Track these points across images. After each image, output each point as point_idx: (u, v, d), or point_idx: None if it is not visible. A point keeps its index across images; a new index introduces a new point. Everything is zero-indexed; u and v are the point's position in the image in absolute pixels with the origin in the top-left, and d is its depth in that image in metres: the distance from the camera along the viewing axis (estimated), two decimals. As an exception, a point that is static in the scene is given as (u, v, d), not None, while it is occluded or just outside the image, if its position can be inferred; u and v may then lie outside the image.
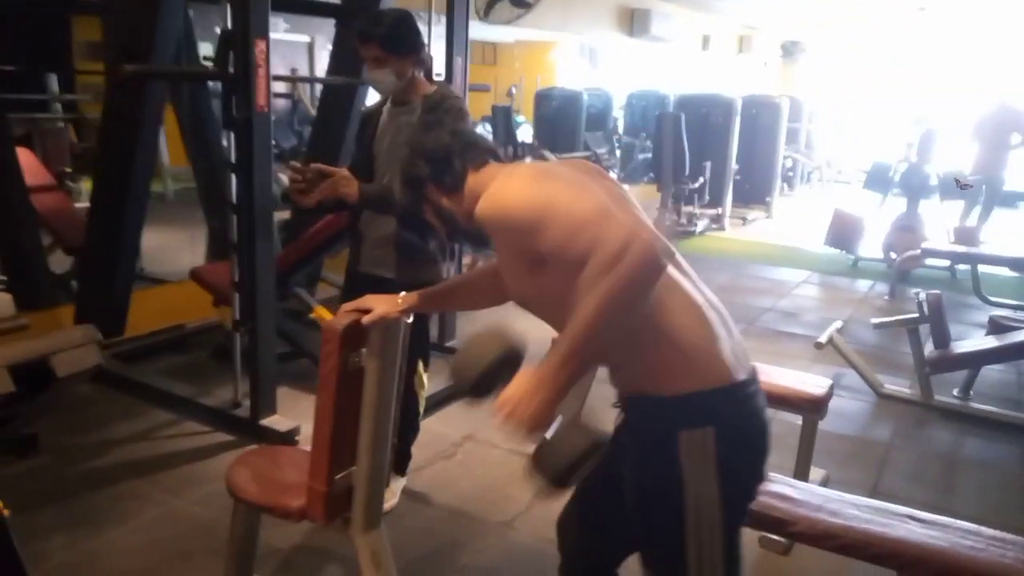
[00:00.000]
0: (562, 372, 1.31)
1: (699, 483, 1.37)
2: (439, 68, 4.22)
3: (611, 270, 1.24)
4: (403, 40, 2.56)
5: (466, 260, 5.37)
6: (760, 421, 1.45)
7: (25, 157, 4.37)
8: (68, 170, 7.07)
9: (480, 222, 1.49)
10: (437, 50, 4.19)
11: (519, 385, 1.34)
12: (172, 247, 5.61)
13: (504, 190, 1.48)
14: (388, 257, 2.70)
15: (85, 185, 7.32)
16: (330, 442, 1.93)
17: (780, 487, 2.20)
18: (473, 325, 4.86)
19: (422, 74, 2.72)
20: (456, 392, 1.52)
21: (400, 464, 2.93)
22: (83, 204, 5.84)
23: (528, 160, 1.70)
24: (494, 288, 1.85)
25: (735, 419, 1.41)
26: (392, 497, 2.84)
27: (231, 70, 3.07)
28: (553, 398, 1.31)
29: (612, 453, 1.67)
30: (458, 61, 4.12)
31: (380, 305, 1.87)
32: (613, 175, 10.17)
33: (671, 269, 1.46)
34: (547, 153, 8.67)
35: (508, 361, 1.44)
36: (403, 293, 1.92)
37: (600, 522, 1.72)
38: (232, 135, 3.16)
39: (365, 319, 1.86)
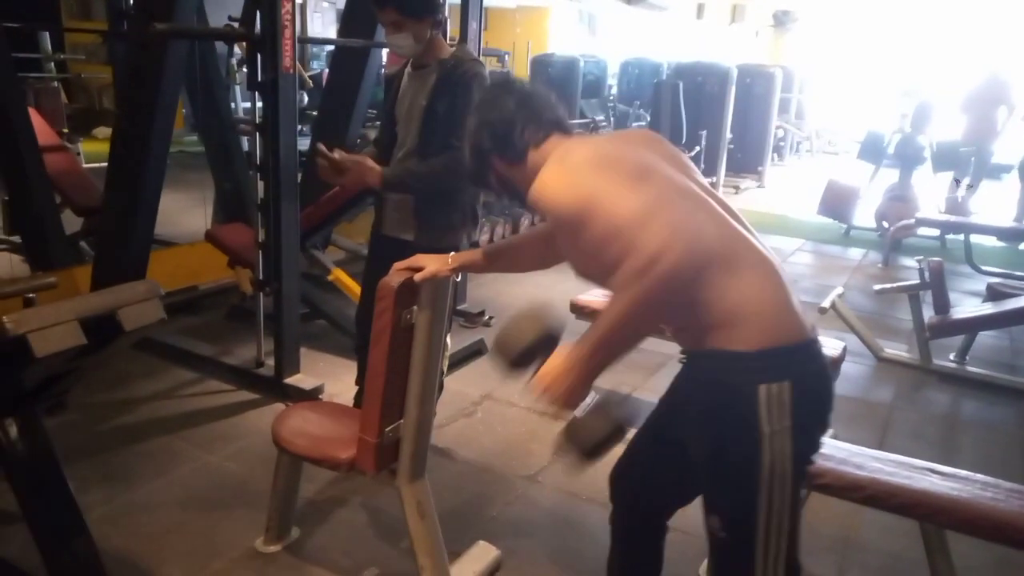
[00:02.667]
0: (592, 359, 1.44)
1: (775, 435, 1.43)
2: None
3: (639, 279, 1.34)
4: (419, 3, 2.58)
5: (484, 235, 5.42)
6: (828, 377, 1.53)
7: (33, 117, 4.34)
8: (65, 130, 7.00)
9: (532, 204, 1.56)
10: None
11: (554, 365, 1.47)
12: (177, 209, 5.60)
13: (553, 178, 1.53)
14: (407, 221, 2.76)
15: (83, 146, 7.27)
16: (382, 396, 2.00)
17: (805, 441, 2.30)
18: (480, 291, 4.93)
19: (440, 35, 2.74)
20: (496, 364, 1.60)
21: None
22: (85, 166, 5.83)
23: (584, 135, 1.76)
24: (541, 253, 1.93)
25: (809, 375, 1.48)
26: None
27: (257, 31, 3.07)
28: (583, 381, 1.45)
29: (670, 408, 1.76)
30: (472, 26, 4.12)
31: (431, 264, 1.94)
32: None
33: (741, 230, 1.53)
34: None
35: (546, 341, 1.54)
36: (452, 253, 1.99)
37: (654, 475, 1.80)
38: (258, 96, 3.17)
39: (417, 276, 1.92)
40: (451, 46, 2.82)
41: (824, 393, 1.52)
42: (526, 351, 1.54)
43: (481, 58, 4.18)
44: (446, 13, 2.89)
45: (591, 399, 1.50)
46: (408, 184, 2.65)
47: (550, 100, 1.71)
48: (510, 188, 1.72)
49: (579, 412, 1.50)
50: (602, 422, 1.47)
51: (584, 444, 1.47)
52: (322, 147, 2.65)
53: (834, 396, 1.56)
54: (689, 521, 2.53)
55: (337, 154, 2.63)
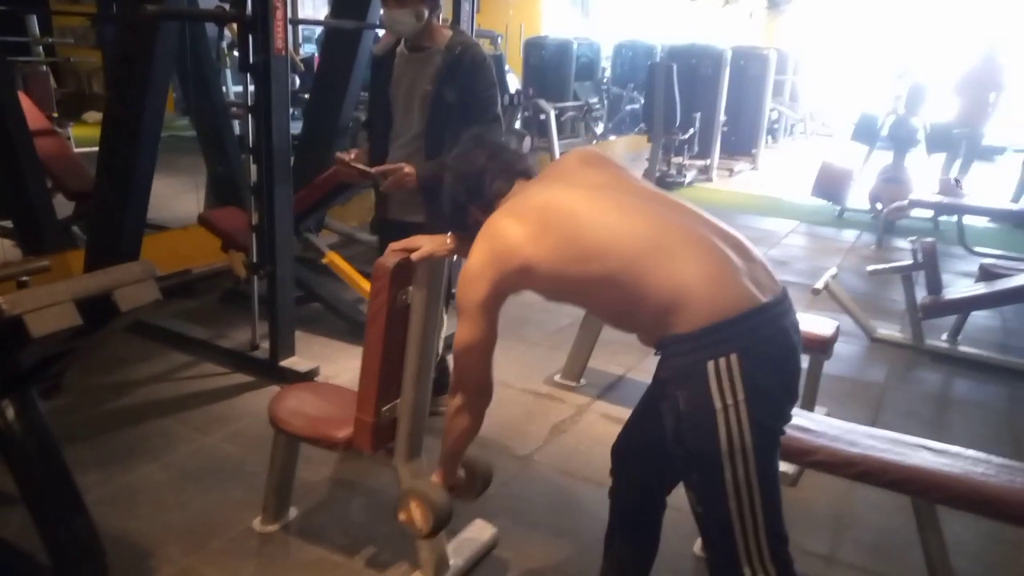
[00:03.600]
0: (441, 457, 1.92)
1: (729, 408, 1.46)
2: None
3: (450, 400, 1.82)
4: None
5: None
6: (786, 340, 1.53)
7: (23, 102, 4.31)
8: (55, 115, 6.95)
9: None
10: None
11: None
12: (169, 194, 5.58)
13: (466, 270, 1.70)
14: (415, 202, 2.74)
15: (72, 130, 7.23)
16: (378, 375, 2.01)
17: (799, 419, 2.31)
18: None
19: (438, 20, 2.75)
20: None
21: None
22: (76, 150, 5.79)
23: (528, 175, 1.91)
24: None
25: (759, 342, 1.48)
26: None
27: (249, 12, 3.05)
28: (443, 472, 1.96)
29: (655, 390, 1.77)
30: (465, 7, 4.09)
31: (428, 244, 1.95)
32: (600, 127, 10.19)
33: (668, 214, 1.60)
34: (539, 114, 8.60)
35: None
36: (449, 233, 1.99)
37: (653, 449, 1.81)
38: (250, 79, 3.15)
39: (414, 255, 1.93)
40: (446, 29, 2.81)
41: (781, 357, 1.53)
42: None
43: (477, 39, 4.19)
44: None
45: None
46: (442, 177, 2.64)
47: (518, 152, 1.90)
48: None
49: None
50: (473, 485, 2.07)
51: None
52: (341, 157, 2.72)
53: (796, 357, 1.56)
54: (684, 499, 2.56)
55: (360, 160, 2.66)
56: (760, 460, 1.50)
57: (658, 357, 1.69)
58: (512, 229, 1.64)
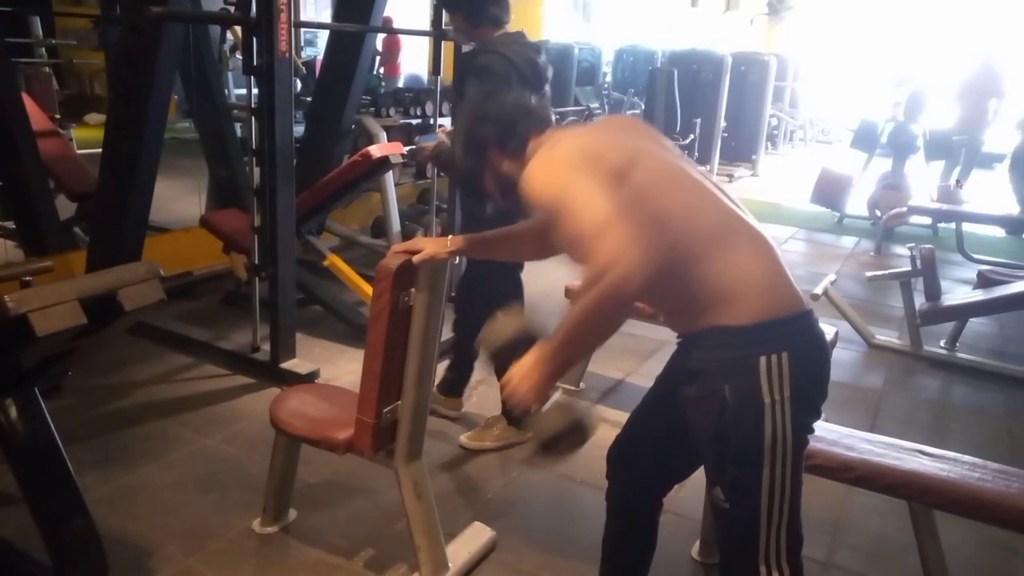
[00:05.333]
0: (553, 361, 1.49)
1: (776, 404, 1.47)
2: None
3: (592, 287, 1.37)
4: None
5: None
6: (825, 346, 1.56)
7: (26, 103, 4.32)
8: (57, 116, 6.96)
9: (523, 193, 1.59)
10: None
11: (522, 365, 1.52)
12: (171, 196, 5.59)
13: (538, 170, 1.56)
14: None
15: (75, 131, 7.24)
16: (380, 376, 2.02)
17: (797, 424, 2.33)
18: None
19: (490, 26, 2.83)
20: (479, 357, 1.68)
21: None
22: (78, 152, 5.80)
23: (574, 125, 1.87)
24: (536, 244, 1.94)
25: (806, 345, 1.52)
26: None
27: (253, 15, 3.07)
28: (545, 380, 1.49)
29: (667, 389, 1.78)
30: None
31: (429, 246, 1.96)
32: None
33: (731, 205, 1.57)
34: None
35: (524, 340, 1.60)
36: (451, 236, 2.01)
37: (651, 452, 1.82)
38: (253, 81, 3.17)
39: (416, 258, 1.94)
40: (496, 34, 2.86)
41: (821, 362, 1.56)
42: (504, 347, 1.62)
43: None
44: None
45: (556, 398, 1.57)
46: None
47: (542, 103, 1.79)
48: (506, 184, 1.73)
49: (544, 408, 1.57)
50: (559, 418, 1.53)
51: (541, 436, 1.54)
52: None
53: (830, 365, 1.59)
54: (682, 503, 2.58)
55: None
56: (796, 458, 1.52)
57: (680, 347, 1.69)
58: (598, 137, 1.57)
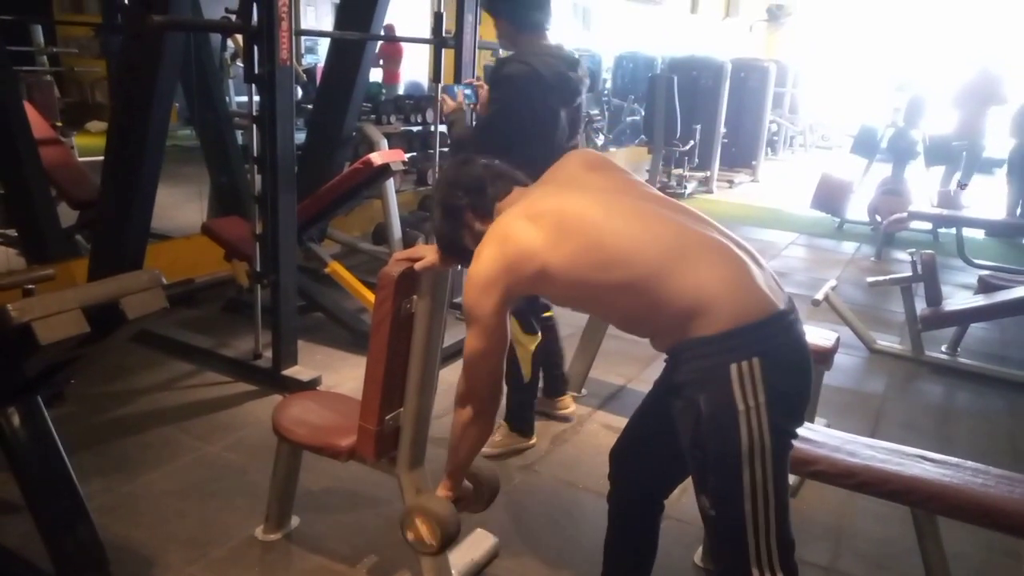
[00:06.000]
0: (446, 469, 1.91)
1: (751, 411, 1.47)
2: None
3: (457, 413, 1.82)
4: (488, 3, 2.90)
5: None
6: (802, 347, 1.56)
7: (27, 111, 4.34)
8: (58, 124, 6.98)
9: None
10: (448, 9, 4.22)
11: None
12: (172, 203, 5.60)
13: (474, 270, 1.67)
14: None
15: (76, 140, 7.25)
16: (382, 383, 2.02)
17: (800, 430, 2.33)
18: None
19: (532, 36, 2.85)
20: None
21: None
22: (79, 159, 5.81)
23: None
24: None
25: (779, 348, 1.51)
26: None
27: (254, 23, 3.08)
28: (447, 487, 1.92)
29: (661, 393, 1.79)
30: (468, 19, 4.14)
31: (431, 253, 1.96)
32: (600, 138, 10.23)
33: (684, 220, 1.61)
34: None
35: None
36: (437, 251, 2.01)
37: (651, 453, 1.83)
38: (255, 89, 3.18)
39: (417, 265, 1.94)
40: (536, 43, 2.88)
41: (798, 363, 1.55)
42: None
43: (478, 52, 4.22)
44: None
45: None
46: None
47: (511, 166, 1.87)
48: (479, 240, 1.77)
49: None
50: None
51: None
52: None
53: (810, 365, 1.59)
54: (684, 509, 2.58)
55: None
56: (776, 463, 1.52)
57: (666, 364, 1.71)
58: (527, 232, 1.61)
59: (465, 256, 1.80)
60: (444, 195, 1.84)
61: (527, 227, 1.62)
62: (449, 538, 1.91)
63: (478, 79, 3.20)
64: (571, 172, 1.80)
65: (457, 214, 1.81)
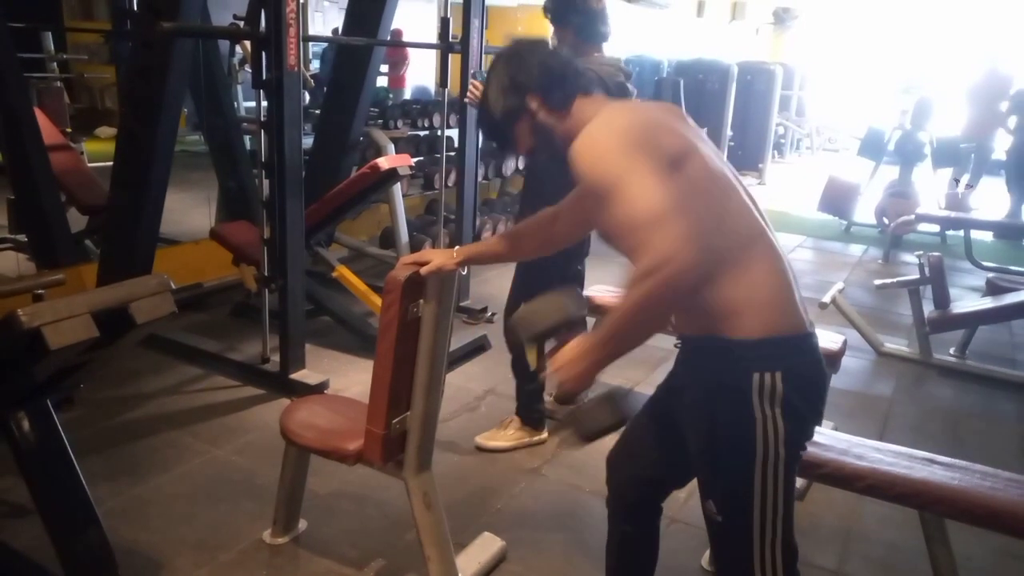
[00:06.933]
0: (601, 350, 1.44)
1: (768, 420, 1.46)
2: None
3: (645, 281, 1.31)
4: (556, 13, 2.89)
5: (486, 232, 5.42)
6: (822, 370, 1.55)
7: (38, 117, 4.37)
8: (68, 130, 7.01)
9: (571, 159, 1.50)
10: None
11: (569, 350, 1.48)
12: (181, 208, 5.63)
13: (594, 141, 1.47)
14: None
15: (86, 145, 7.29)
16: (389, 387, 2.03)
17: (806, 433, 2.33)
18: (483, 287, 4.96)
19: (590, 47, 2.91)
20: (515, 338, 1.63)
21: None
22: (89, 165, 5.85)
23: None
24: (544, 237, 1.96)
25: (802, 366, 1.50)
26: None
27: (262, 29, 3.10)
28: (591, 369, 1.45)
29: (667, 394, 1.79)
30: (475, 23, 4.15)
31: (437, 257, 1.97)
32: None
33: (758, 216, 1.55)
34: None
35: (567, 324, 1.57)
36: (457, 247, 2.02)
37: (649, 456, 1.82)
38: (263, 95, 3.20)
39: (423, 269, 1.95)
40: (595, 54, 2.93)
41: (816, 382, 1.55)
42: (546, 331, 1.58)
43: (484, 57, 4.23)
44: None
45: (596, 390, 1.55)
46: None
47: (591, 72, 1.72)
48: (542, 137, 1.67)
49: (584, 398, 1.56)
50: (606, 412, 1.53)
51: (587, 429, 1.53)
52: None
53: (827, 387, 1.59)
54: (691, 513, 2.58)
55: None
56: (788, 473, 1.52)
57: (681, 349, 1.69)
58: (657, 113, 1.52)
59: (508, 145, 1.69)
60: (512, 66, 1.64)
61: (656, 111, 1.55)
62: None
63: None
64: (670, 110, 1.66)
65: (521, 92, 1.62)
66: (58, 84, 8.13)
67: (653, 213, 1.33)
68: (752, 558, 1.54)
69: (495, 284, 5.07)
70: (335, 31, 9.10)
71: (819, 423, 1.62)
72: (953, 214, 6.16)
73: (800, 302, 1.54)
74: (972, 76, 7.97)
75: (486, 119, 1.73)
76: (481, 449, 3.06)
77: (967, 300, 4.78)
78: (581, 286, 3.08)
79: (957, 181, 7.28)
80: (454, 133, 5.24)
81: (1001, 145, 8.11)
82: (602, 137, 1.47)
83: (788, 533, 1.55)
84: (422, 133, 6.23)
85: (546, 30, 2.95)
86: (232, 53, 6.59)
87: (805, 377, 1.51)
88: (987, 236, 7.25)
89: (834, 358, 2.98)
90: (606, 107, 1.61)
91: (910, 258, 6.32)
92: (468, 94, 3.07)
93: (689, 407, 1.60)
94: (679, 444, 1.66)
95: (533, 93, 1.63)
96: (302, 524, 2.52)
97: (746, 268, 1.48)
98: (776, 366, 1.46)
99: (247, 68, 4.63)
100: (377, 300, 3.89)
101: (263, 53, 3.13)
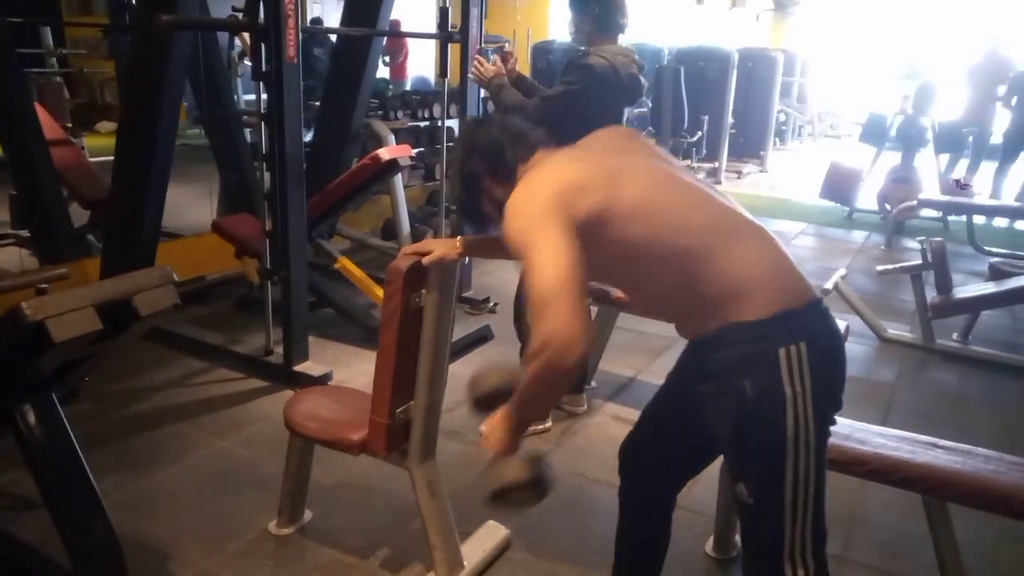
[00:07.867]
0: (512, 419, 1.54)
1: (798, 396, 1.45)
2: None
3: (533, 360, 1.40)
4: (584, 2, 2.93)
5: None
6: (838, 334, 1.56)
7: (38, 112, 4.37)
8: (68, 125, 7.02)
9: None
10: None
11: (493, 418, 1.57)
12: (182, 202, 5.63)
13: (513, 206, 1.54)
14: None
15: (86, 140, 7.30)
16: (392, 377, 2.04)
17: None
18: (486, 278, 4.96)
19: (605, 36, 2.95)
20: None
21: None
22: (90, 160, 5.85)
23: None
24: None
25: (822, 334, 1.51)
26: None
27: (261, 21, 3.09)
28: (507, 435, 1.54)
29: (680, 386, 1.78)
30: (474, 12, 4.14)
31: (439, 247, 1.97)
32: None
33: (727, 203, 1.58)
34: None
35: (503, 392, 1.62)
36: (459, 237, 2.02)
37: (664, 449, 1.83)
38: (263, 87, 3.20)
39: (426, 259, 1.96)
40: (608, 45, 2.95)
41: (838, 350, 1.56)
42: (485, 397, 1.67)
43: (484, 45, 4.22)
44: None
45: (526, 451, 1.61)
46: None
47: (528, 125, 1.79)
48: (499, 205, 1.70)
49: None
50: (519, 471, 1.55)
51: (495, 484, 1.57)
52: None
53: (845, 353, 1.58)
54: (696, 499, 2.59)
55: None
56: (819, 451, 1.51)
57: (690, 353, 1.70)
58: (580, 170, 1.55)
59: (486, 223, 1.77)
60: (461, 162, 1.77)
61: (579, 166, 1.59)
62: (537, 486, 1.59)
63: (508, 44, 3.28)
64: (608, 141, 1.75)
65: (475, 181, 1.75)
66: (58, 79, 8.14)
67: (545, 289, 1.40)
68: (783, 539, 1.53)
69: (497, 275, 5.08)
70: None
71: (843, 391, 1.59)
72: (955, 199, 6.15)
73: (801, 271, 1.55)
74: (972, 58, 7.93)
75: (457, 204, 1.86)
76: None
77: (970, 285, 4.77)
78: None
79: (958, 182, 7.25)
80: (454, 123, 5.24)
81: (999, 128, 8.08)
82: (519, 203, 1.54)
83: (819, 513, 1.55)
84: (422, 123, 6.23)
85: (543, 18, 2.96)
86: (231, 45, 6.59)
87: (827, 344, 1.52)
88: (997, 221, 7.20)
89: (837, 344, 2.98)
90: (537, 167, 1.66)
91: (912, 244, 6.32)
92: (471, 70, 3.08)
93: (713, 396, 1.57)
94: (694, 438, 1.67)
95: (483, 176, 1.74)
96: (307, 514, 2.54)
97: (730, 253, 1.50)
98: (799, 337, 1.46)
99: (247, 61, 4.63)
100: (379, 291, 3.89)
101: (262, 45, 3.12)
